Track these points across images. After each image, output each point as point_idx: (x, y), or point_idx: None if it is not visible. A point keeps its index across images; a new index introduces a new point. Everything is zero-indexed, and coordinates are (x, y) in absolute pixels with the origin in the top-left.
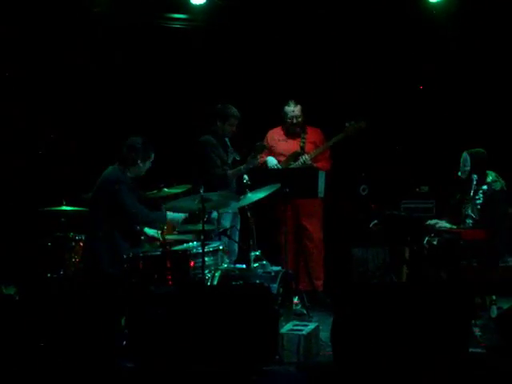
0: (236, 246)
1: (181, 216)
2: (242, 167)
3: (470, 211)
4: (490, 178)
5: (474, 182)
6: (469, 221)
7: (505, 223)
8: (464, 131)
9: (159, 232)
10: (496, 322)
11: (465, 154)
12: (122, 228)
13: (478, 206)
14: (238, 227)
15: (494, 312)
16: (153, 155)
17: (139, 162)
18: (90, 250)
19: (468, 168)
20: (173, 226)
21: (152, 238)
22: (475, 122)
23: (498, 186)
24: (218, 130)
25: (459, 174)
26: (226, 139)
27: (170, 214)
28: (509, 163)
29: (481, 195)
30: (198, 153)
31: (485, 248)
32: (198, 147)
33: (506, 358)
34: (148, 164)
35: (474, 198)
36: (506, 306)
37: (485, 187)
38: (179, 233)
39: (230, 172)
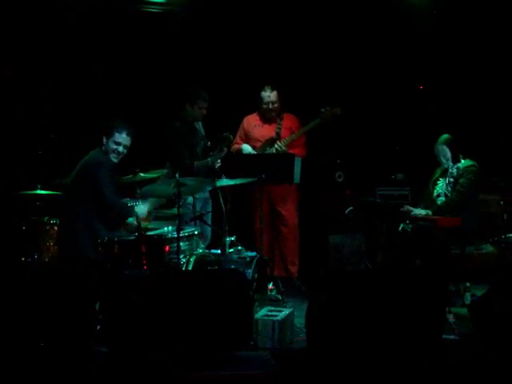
0: (209, 231)
1: (145, 210)
2: (209, 160)
3: (441, 189)
4: (464, 161)
5: (449, 155)
6: (441, 199)
7: (475, 197)
8: (438, 119)
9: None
10: (470, 309)
11: (440, 146)
12: (101, 211)
13: (451, 179)
14: (210, 211)
15: (468, 299)
16: (117, 136)
17: (104, 138)
18: (67, 233)
19: (449, 155)
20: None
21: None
22: (449, 110)
23: (470, 163)
24: (187, 115)
25: (444, 166)
26: (198, 124)
27: (136, 208)
28: (481, 152)
29: (454, 170)
30: (165, 142)
31: (458, 234)
32: (166, 135)
33: (479, 345)
34: (111, 144)
35: (447, 174)
36: (479, 293)
37: (459, 164)
38: (155, 218)
39: (196, 163)
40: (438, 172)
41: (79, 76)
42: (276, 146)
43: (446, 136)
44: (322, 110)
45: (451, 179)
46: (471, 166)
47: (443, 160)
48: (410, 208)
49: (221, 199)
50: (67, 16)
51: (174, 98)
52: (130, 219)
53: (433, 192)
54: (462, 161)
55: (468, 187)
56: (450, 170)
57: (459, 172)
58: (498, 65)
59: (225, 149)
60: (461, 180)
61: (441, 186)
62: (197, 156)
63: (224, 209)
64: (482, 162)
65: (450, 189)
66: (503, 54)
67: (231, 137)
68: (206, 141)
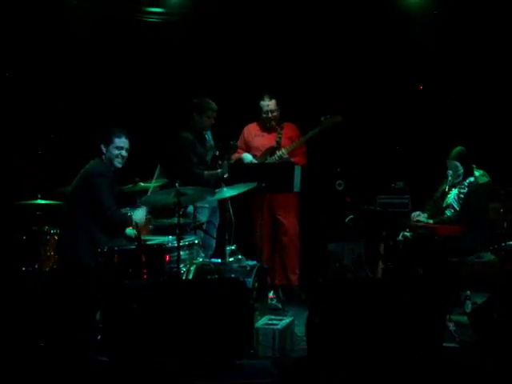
0: (213, 241)
1: (143, 214)
2: (218, 171)
3: (451, 201)
4: (478, 173)
5: (449, 178)
6: (448, 211)
7: (484, 217)
8: (439, 127)
9: (134, 229)
10: (470, 318)
11: (452, 162)
12: (100, 221)
13: (462, 195)
14: (217, 222)
15: (469, 307)
16: (118, 140)
17: (103, 147)
18: (67, 243)
19: (462, 171)
20: (146, 225)
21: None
22: (450, 118)
23: (484, 179)
24: (195, 125)
25: (456, 181)
26: (207, 133)
27: (134, 215)
28: (482, 159)
29: (466, 185)
30: (175, 150)
31: (461, 243)
32: (176, 144)
33: (480, 353)
34: (113, 150)
35: (458, 188)
36: (480, 302)
37: (472, 179)
38: (155, 228)
39: (206, 173)
40: (451, 180)
41: (81, 86)
42: (279, 153)
43: (458, 150)
44: (322, 118)
45: (461, 195)
46: (485, 184)
47: (455, 175)
48: (417, 213)
49: (229, 207)
50: (70, 24)
51: (176, 107)
52: (128, 231)
53: (442, 201)
54: (476, 173)
55: (479, 206)
56: (463, 186)
57: (472, 187)
58: (499, 67)
59: (232, 157)
60: (472, 199)
61: (450, 197)
62: (206, 165)
63: (232, 218)
64: (483, 168)
65: (460, 203)
66: (504, 55)
67: (238, 144)
68: (214, 150)
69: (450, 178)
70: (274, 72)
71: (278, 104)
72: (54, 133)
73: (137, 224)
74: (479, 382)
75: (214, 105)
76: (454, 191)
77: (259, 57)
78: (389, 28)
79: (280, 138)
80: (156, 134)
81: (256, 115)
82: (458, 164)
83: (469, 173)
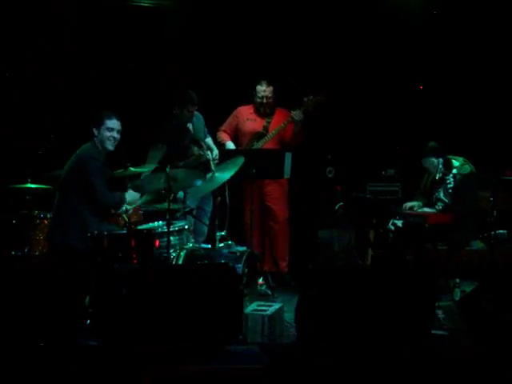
0: (205, 228)
1: (136, 196)
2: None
3: (441, 195)
4: (458, 162)
5: (440, 166)
6: (439, 204)
7: (473, 207)
8: (428, 115)
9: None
10: (459, 305)
11: (427, 160)
12: (92, 204)
13: (450, 191)
14: (210, 209)
15: (458, 295)
16: (108, 122)
17: (94, 130)
18: (58, 227)
19: (441, 165)
20: (136, 211)
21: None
22: (439, 107)
23: (467, 169)
24: (177, 118)
25: (437, 176)
26: (189, 125)
27: (127, 195)
28: (473, 148)
29: (451, 179)
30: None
31: (451, 231)
32: (158, 136)
33: (468, 340)
34: (105, 132)
35: (444, 183)
36: (468, 289)
37: (455, 171)
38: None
39: (181, 164)
40: (427, 179)
41: (71, 71)
42: (266, 138)
43: (430, 146)
44: (305, 99)
45: (449, 190)
46: (469, 174)
47: (437, 173)
48: (411, 204)
49: (226, 192)
50: (61, 15)
51: (167, 93)
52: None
53: (432, 192)
54: (455, 162)
55: (468, 197)
56: (448, 181)
57: (458, 181)
58: (491, 62)
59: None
60: (460, 193)
61: (440, 193)
62: (187, 158)
63: (228, 203)
64: (473, 158)
65: (449, 198)
66: (501, 54)
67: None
68: (197, 148)
69: (437, 174)
70: (271, 56)
71: (273, 91)
72: (46, 117)
73: (129, 204)
74: (467, 369)
75: (195, 98)
76: (441, 189)
77: (253, 41)
78: (386, 19)
79: (268, 123)
80: (147, 119)
81: (248, 100)
82: (433, 160)
83: (448, 165)
